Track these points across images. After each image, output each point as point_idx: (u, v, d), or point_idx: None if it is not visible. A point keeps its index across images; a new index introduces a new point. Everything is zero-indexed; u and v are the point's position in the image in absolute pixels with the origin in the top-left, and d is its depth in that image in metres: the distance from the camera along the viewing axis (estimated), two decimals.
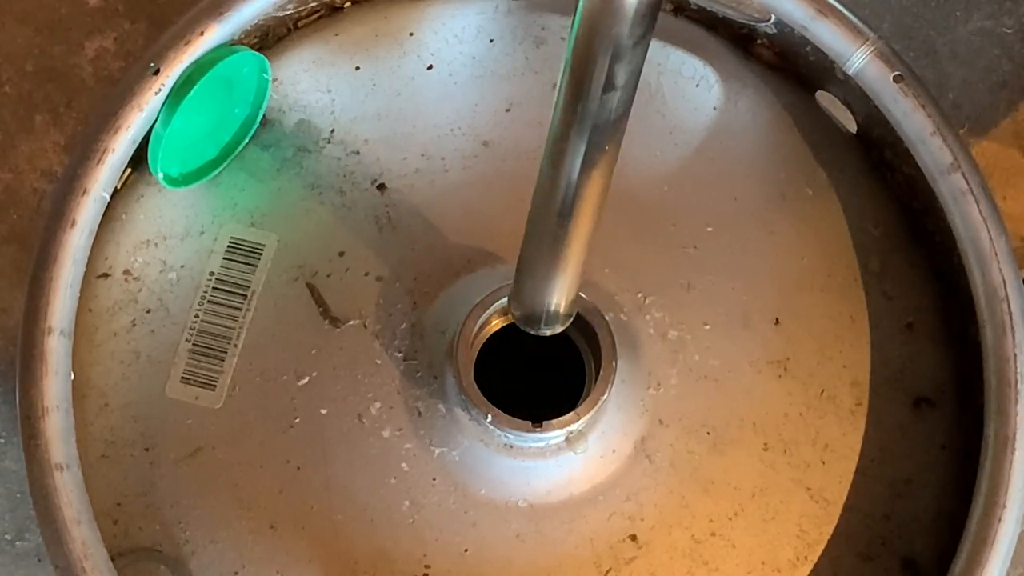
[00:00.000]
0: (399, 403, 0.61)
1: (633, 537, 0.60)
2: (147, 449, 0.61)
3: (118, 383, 0.62)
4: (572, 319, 0.58)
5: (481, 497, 0.60)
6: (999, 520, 0.57)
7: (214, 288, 0.63)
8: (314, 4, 0.67)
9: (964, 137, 0.63)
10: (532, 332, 0.58)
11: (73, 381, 0.58)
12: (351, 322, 0.62)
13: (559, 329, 0.58)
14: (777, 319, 0.63)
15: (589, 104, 0.43)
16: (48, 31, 0.96)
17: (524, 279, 0.55)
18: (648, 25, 0.41)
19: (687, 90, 0.67)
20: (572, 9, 0.39)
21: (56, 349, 0.58)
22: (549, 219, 0.49)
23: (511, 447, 0.59)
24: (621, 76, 0.42)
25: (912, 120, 0.62)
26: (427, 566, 0.59)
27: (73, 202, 0.59)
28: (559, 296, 0.55)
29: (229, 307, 0.63)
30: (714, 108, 0.67)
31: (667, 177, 0.65)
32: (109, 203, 0.61)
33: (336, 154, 0.65)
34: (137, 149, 0.61)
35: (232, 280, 0.63)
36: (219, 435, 0.61)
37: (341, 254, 0.63)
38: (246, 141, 0.65)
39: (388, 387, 0.61)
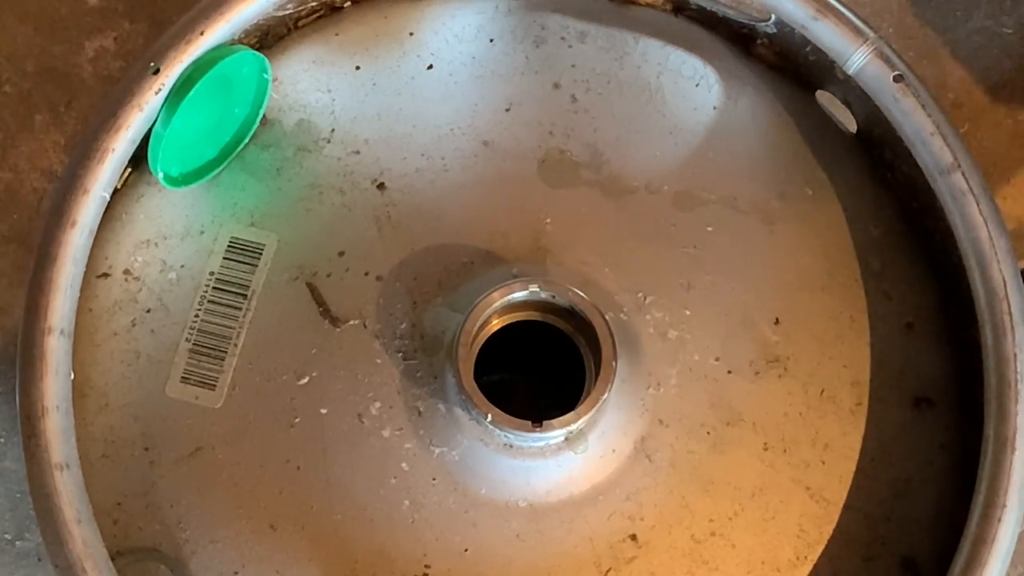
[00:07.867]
0: (399, 403, 0.61)
1: (633, 537, 0.60)
2: (147, 449, 0.61)
3: (118, 383, 0.62)
4: None
5: (481, 497, 0.60)
6: (999, 520, 0.57)
7: (214, 288, 0.63)
8: (314, 4, 0.67)
9: (964, 137, 0.62)
10: None
11: (73, 381, 0.58)
12: (351, 322, 0.62)
13: None
14: (777, 319, 0.63)
15: None
16: (48, 31, 0.96)
17: None
18: None
19: (687, 90, 0.67)
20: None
21: (56, 349, 0.58)
22: None
23: (511, 447, 0.59)
24: None
25: (912, 120, 0.62)
26: (427, 566, 0.59)
27: (73, 202, 0.59)
28: None
29: (229, 307, 0.63)
30: (714, 108, 0.67)
31: (667, 177, 0.65)
32: (109, 203, 0.61)
33: (336, 154, 0.65)
34: (137, 149, 0.61)
35: (232, 280, 0.63)
36: (219, 435, 0.61)
37: (341, 254, 0.63)
38: (246, 141, 0.65)
39: (388, 387, 0.61)
